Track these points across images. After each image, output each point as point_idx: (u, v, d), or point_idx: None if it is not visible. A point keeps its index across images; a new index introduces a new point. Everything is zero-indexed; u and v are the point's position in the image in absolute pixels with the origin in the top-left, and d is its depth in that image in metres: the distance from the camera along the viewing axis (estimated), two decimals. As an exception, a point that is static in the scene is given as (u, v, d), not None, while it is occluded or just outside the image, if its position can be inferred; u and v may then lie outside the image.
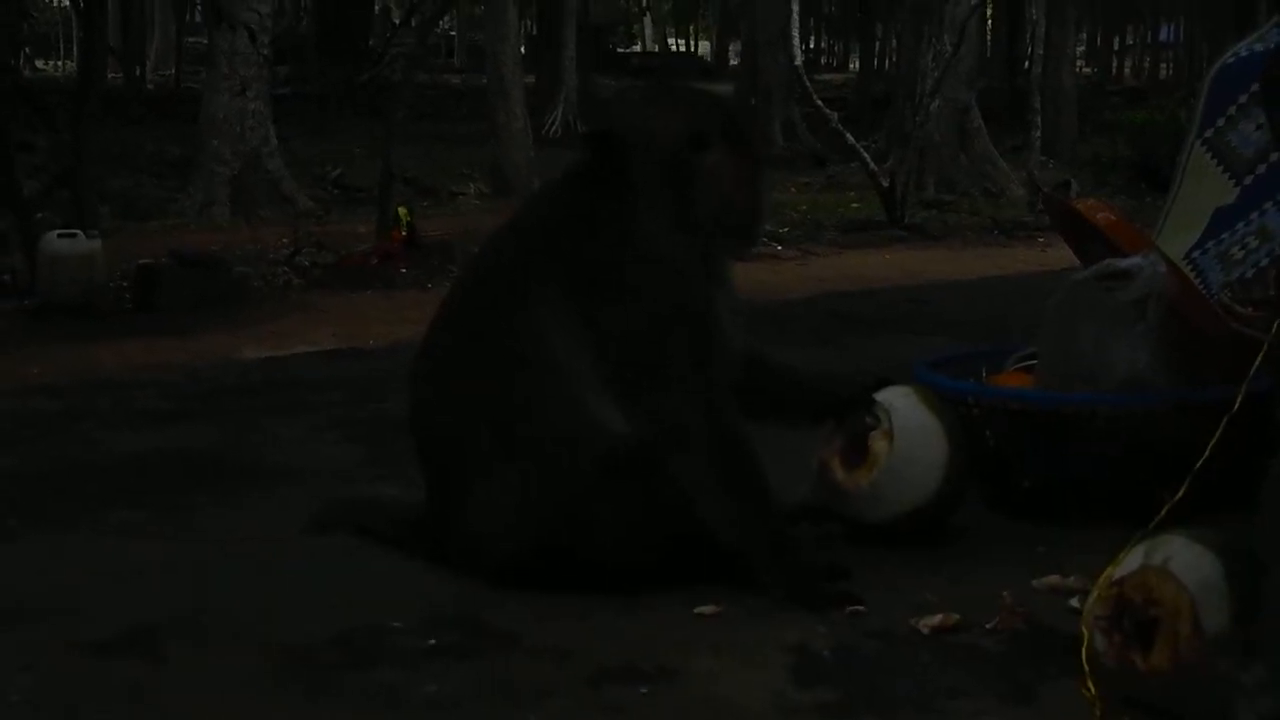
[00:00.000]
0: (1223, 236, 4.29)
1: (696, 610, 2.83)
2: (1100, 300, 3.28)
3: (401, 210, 9.65)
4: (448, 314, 3.14)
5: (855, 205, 12.60)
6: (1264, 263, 3.96)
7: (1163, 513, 2.49)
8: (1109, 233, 3.50)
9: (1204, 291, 4.00)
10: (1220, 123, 4.40)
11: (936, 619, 2.74)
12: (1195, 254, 4.32)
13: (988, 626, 2.72)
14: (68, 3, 26.12)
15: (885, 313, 6.59)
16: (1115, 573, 2.33)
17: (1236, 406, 2.78)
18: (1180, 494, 2.56)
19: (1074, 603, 2.75)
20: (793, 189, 14.45)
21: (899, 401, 3.16)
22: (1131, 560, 2.34)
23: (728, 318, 3.05)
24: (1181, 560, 2.30)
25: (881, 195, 11.49)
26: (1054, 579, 2.94)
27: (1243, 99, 4.32)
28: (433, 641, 2.73)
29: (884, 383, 3.22)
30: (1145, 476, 3.03)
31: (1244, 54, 4.41)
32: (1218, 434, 2.78)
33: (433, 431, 3.09)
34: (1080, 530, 3.14)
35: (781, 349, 5.44)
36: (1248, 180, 4.32)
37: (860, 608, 2.82)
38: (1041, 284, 3.98)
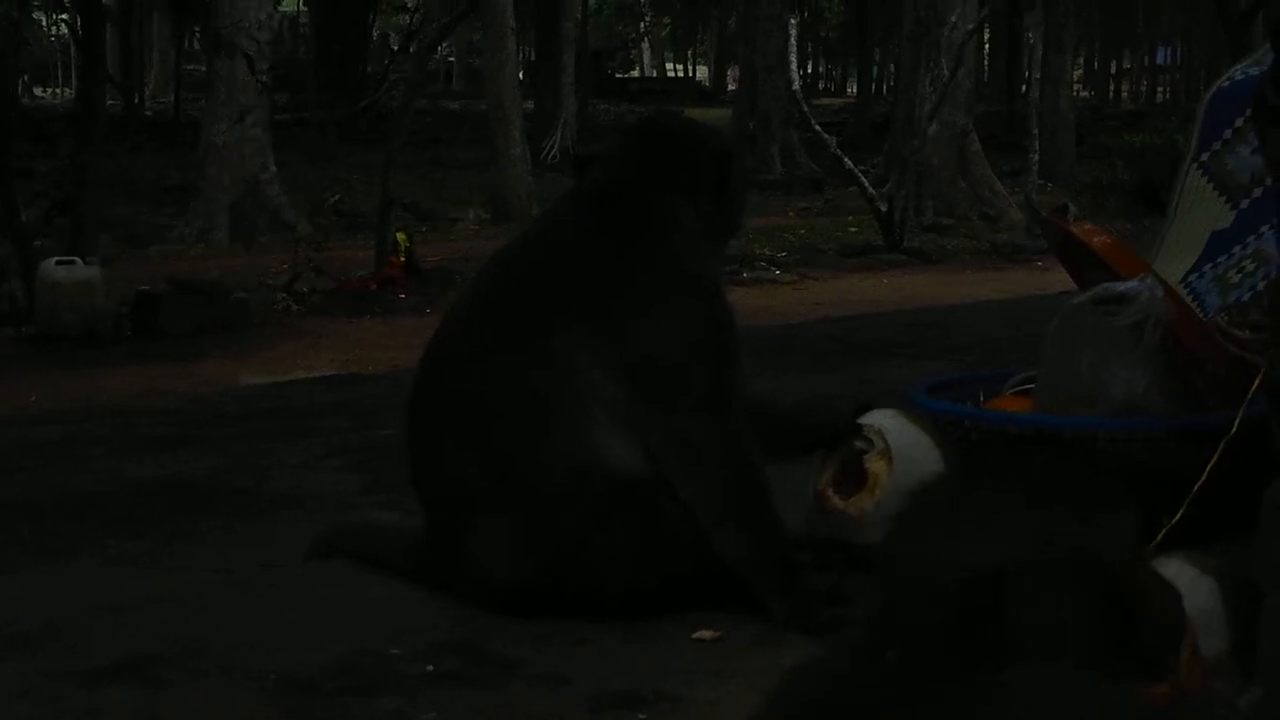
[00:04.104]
0: (1219, 260, 4.29)
1: (696, 636, 2.83)
2: (1098, 324, 3.28)
3: (400, 236, 9.69)
4: (449, 339, 3.14)
5: (853, 229, 12.63)
6: (1260, 286, 3.96)
7: (1159, 537, 2.49)
8: (1106, 257, 3.50)
9: (1201, 315, 4.01)
10: (1216, 146, 4.41)
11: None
12: (1192, 278, 4.32)
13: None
14: (66, 30, 26.21)
15: (884, 337, 6.60)
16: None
17: (1234, 431, 2.78)
18: (1177, 518, 2.56)
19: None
20: (791, 213, 14.50)
21: (888, 423, 3.17)
22: (1130, 584, 2.33)
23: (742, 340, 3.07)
24: (1179, 585, 2.30)
25: (880, 219, 11.51)
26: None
27: (1239, 122, 4.32)
28: (433, 669, 2.73)
29: (868, 407, 3.23)
30: (1143, 501, 3.03)
31: (1239, 77, 4.42)
32: (1214, 458, 2.79)
33: (433, 460, 3.09)
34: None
35: (781, 374, 5.47)
36: (1244, 204, 4.32)
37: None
38: (1039, 307, 4.00)
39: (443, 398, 3.08)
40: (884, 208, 11.42)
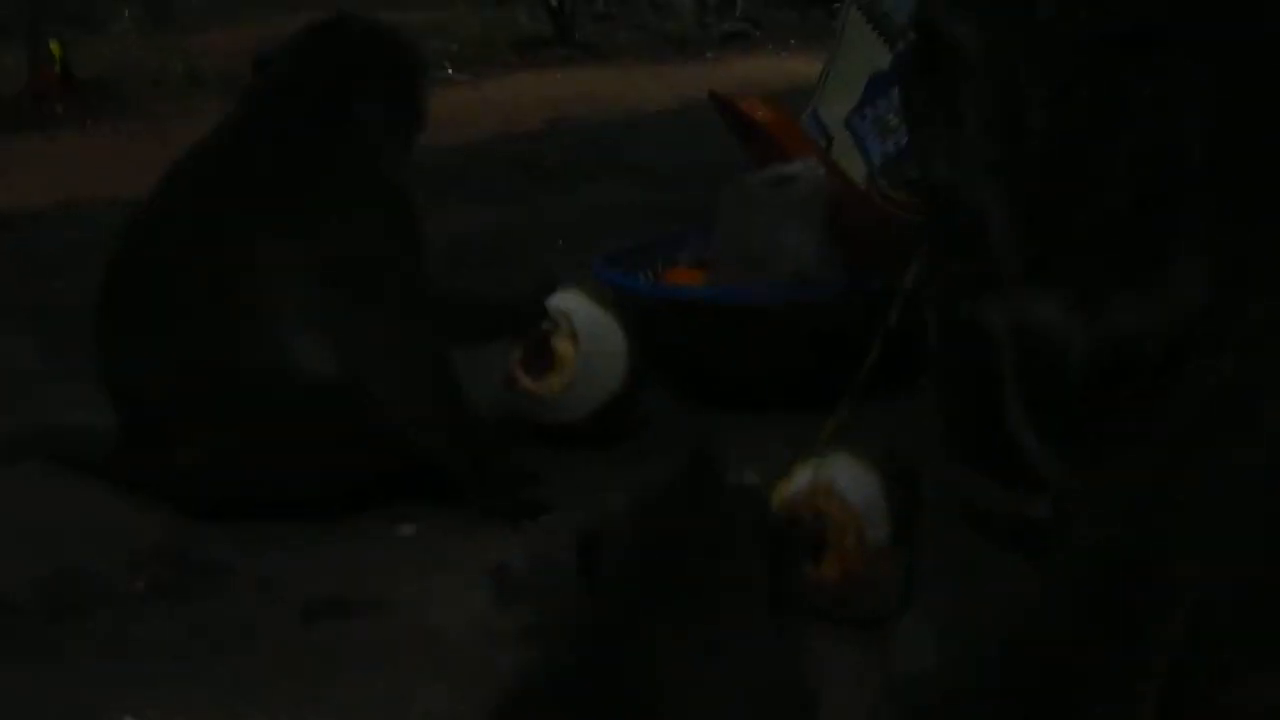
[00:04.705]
0: (879, 102, 4.49)
1: (398, 532, 2.92)
2: (767, 198, 3.46)
3: (54, 45, 9.19)
4: (138, 244, 3.13)
5: (525, 22, 12.52)
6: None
7: (826, 434, 2.68)
8: (771, 131, 3.66)
9: (864, 168, 4.23)
10: (873, -15, 4.56)
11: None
12: (854, 119, 4.53)
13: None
14: None
15: (564, 159, 6.60)
16: (786, 492, 2.52)
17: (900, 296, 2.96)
18: (845, 411, 2.75)
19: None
20: (462, 6, 14.24)
21: (572, 303, 3.30)
22: (800, 479, 2.52)
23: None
24: (845, 479, 2.51)
25: (550, 11, 11.44)
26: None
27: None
28: (141, 582, 2.75)
29: (553, 286, 3.35)
30: (815, 364, 3.26)
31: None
32: (883, 329, 2.98)
33: (127, 361, 3.07)
34: (758, 418, 3.28)
35: (460, 206, 5.46)
36: (900, 46, 4.50)
37: (552, 514, 2.96)
38: (713, 121, 4.04)
39: (137, 302, 3.07)
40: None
